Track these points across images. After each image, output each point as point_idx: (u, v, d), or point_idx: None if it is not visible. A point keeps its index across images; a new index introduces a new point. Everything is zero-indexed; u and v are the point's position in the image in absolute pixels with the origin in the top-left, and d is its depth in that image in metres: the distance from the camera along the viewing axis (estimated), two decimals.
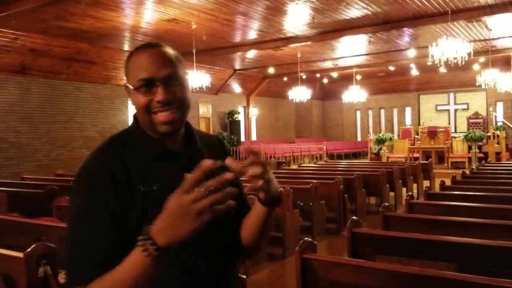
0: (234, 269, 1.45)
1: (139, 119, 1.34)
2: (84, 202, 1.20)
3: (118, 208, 1.18)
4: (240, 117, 20.06)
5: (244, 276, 2.22)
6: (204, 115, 18.14)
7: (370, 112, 23.97)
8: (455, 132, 19.77)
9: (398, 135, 19.81)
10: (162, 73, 1.24)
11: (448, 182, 6.64)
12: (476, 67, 16.49)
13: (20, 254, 2.77)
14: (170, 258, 1.02)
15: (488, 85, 14.86)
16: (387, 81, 21.59)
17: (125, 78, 1.34)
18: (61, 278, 3.25)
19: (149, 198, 1.21)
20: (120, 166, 1.24)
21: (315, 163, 13.49)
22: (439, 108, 22.02)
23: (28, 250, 2.75)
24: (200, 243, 1.19)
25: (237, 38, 12.50)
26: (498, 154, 15.59)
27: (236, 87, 19.82)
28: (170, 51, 1.29)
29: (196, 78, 12.18)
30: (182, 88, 1.28)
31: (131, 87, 1.28)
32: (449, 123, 20.93)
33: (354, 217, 3.37)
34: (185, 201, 0.95)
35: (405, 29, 11.81)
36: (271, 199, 1.29)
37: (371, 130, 22.92)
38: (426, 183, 10.10)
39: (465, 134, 15.95)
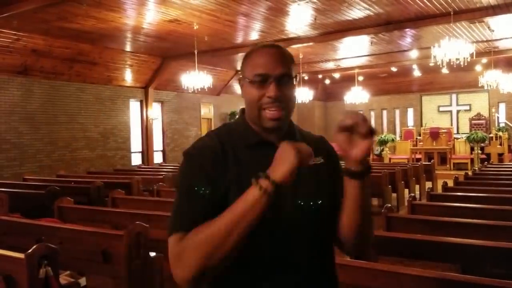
0: (329, 267, 1.49)
1: (247, 112, 1.49)
2: (189, 173, 1.40)
3: (214, 181, 1.36)
4: None
5: None
6: (205, 116, 18.13)
7: (372, 113, 23.90)
8: (458, 133, 19.71)
9: (400, 136, 19.80)
10: (277, 71, 1.39)
11: (450, 183, 6.64)
12: (478, 68, 16.45)
13: (21, 255, 2.78)
14: (260, 245, 1.32)
15: (490, 86, 14.80)
16: (389, 82, 21.54)
17: (240, 72, 1.52)
18: (62, 279, 3.25)
19: (238, 177, 1.36)
20: (220, 148, 1.41)
21: None
22: (441, 109, 21.95)
23: (29, 251, 2.75)
24: (290, 233, 1.37)
25: (239, 39, 12.49)
26: (500, 155, 15.55)
27: (238, 88, 19.55)
28: (286, 53, 1.47)
29: (198, 79, 12.16)
30: (292, 88, 1.44)
31: (247, 80, 1.43)
32: (452, 124, 20.86)
33: None
34: (287, 146, 1.23)
35: (407, 30, 11.78)
36: (363, 168, 1.34)
37: None
38: (428, 184, 10.10)
39: (468, 135, 15.92)
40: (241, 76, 1.49)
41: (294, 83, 1.44)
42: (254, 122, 1.45)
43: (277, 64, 1.40)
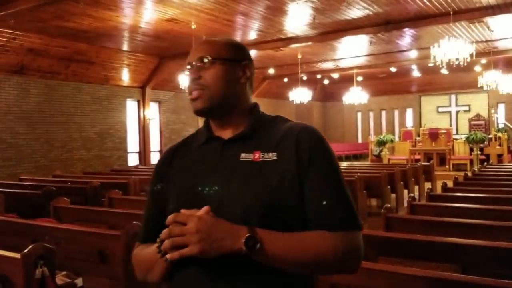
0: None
1: None
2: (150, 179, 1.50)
3: (163, 176, 1.43)
4: None
5: None
6: None
7: (371, 114, 23.94)
8: (457, 134, 19.73)
9: (399, 137, 19.80)
10: (194, 56, 1.40)
11: (450, 184, 6.61)
12: (477, 68, 16.44)
13: (17, 255, 2.76)
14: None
15: (490, 86, 14.80)
16: (388, 82, 21.55)
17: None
18: (59, 279, 3.22)
19: (177, 171, 1.41)
20: (174, 149, 1.49)
21: None
22: (440, 109, 21.99)
23: (26, 251, 2.73)
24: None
25: (237, 38, 12.37)
26: (500, 156, 15.53)
27: None
28: (214, 40, 1.43)
29: None
30: (216, 69, 1.37)
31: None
32: (451, 125, 20.89)
33: None
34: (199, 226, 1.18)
35: (406, 29, 11.76)
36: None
37: (372, 132, 22.89)
38: (427, 185, 10.09)
39: (467, 136, 15.92)
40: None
41: (219, 64, 1.36)
42: None
43: (196, 51, 1.38)
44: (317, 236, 1.24)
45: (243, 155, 1.31)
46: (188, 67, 1.38)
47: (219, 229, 1.17)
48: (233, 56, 1.39)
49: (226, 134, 1.38)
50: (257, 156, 1.30)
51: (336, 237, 1.23)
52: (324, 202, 1.26)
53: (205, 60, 1.35)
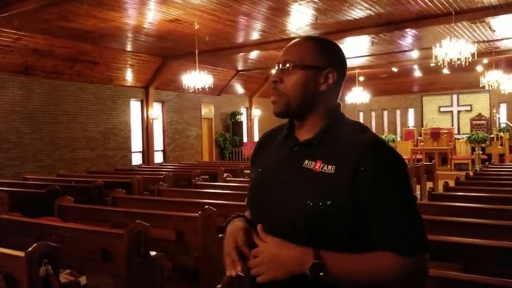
0: None
1: None
2: None
3: (253, 163, 1.56)
4: (243, 118, 20.04)
5: None
6: (206, 116, 18.13)
7: (373, 114, 23.90)
8: (458, 133, 19.70)
9: (401, 137, 19.79)
10: (281, 59, 1.46)
11: (451, 183, 6.62)
12: (479, 68, 16.44)
13: (21, 253, 2.77)
14: None
15: (491, 86, 14.78)
16: (390, 82, 21.52)
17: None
18: (62, 277, 3.24)
19: (258, 163, 1.52)
20: (263, 140, 1.58)
21: None
22: (442, 109, 21.95)
23: (30, 249, 2.75)
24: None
25: (240, 39, 12.49)
26: (501, 155, 15.52)
27: (239, 88, 19.80)
28: (305, 42, 1.46)
29: (199, 79, 12.15)
30: (296, 75, 1.41)
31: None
32: (452, 125, 20.85)
33: None
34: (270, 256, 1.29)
35: (408, 30, 11.77)
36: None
37: (374, 132, 22.84)
38: (429, 185, 10.07)
39: (469, 135, 15.90)
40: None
41: (299, 70, 1.39)
42: None
43: (285, 52, 1.43)
44: (382, 257, 1.25)
45: (306, 161, 1.34)
46: (276, 67, 1.44)
47: (284, 255, 1.26)
48: (317, 63, 1.40)
49: (303, 135, 1.42)
50: (318, 166, 1.32)
51: (406, 261, 1.24)
52: (394, 225, 1.26)
53: (288, 65, 1.39)
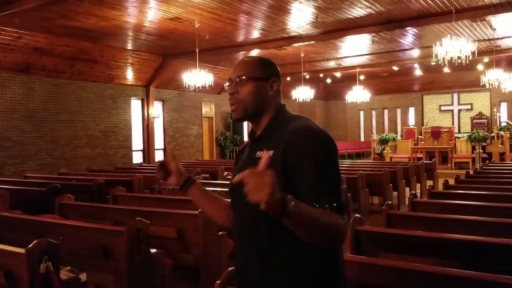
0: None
1: None
2: None
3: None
4: None
5: None
6: (207, 114, 18.14)
7: (374, 112, 23.93)
8: (459, 132, 19.70)
9: (402, 136, 19.77)
10: (233, 75, 1.77)
11: (451, 182, 6.62)
12: (480, 67, 16.42)
13: (22, 250, 2.78)
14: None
15: (492, 85, 14.76)
16: (391, 81, 21.53)
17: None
18: (63, 274, 3.25)
19: (237, 163, 1.86)
20: (241, 148, 1.90)
21: None
22: (442, 108, 21.97)
23: (30, 246, 2.76)
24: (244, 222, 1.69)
25: (240, 37, 12.49)
26: (502, 154, 15.51)
27: None
28: (250, 60, 1.79)
29: (199, 77, 12.14)
30: (247, 86, 1.72)
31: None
32: (453, 124, 20.86)
33: (357, 215, 3.36)
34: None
35: (408, 28, 11.77)
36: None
37: (374, 130, 22.89)
38: (429, 183, 10.06)
39: (469, 134, 15.88)
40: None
41: (251, 82, 1.70)
42: None
43: (235, 70, 1.75)
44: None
45: (258, 153, 1.66)
46: (228, 83, 1.76)
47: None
48: (263, 75, 1.74)
49: (258, 133, 1.76)
50: (264, 154, 1.61)
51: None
52: (310, 190, 1.50)
53: (243, 77, 1.71)
